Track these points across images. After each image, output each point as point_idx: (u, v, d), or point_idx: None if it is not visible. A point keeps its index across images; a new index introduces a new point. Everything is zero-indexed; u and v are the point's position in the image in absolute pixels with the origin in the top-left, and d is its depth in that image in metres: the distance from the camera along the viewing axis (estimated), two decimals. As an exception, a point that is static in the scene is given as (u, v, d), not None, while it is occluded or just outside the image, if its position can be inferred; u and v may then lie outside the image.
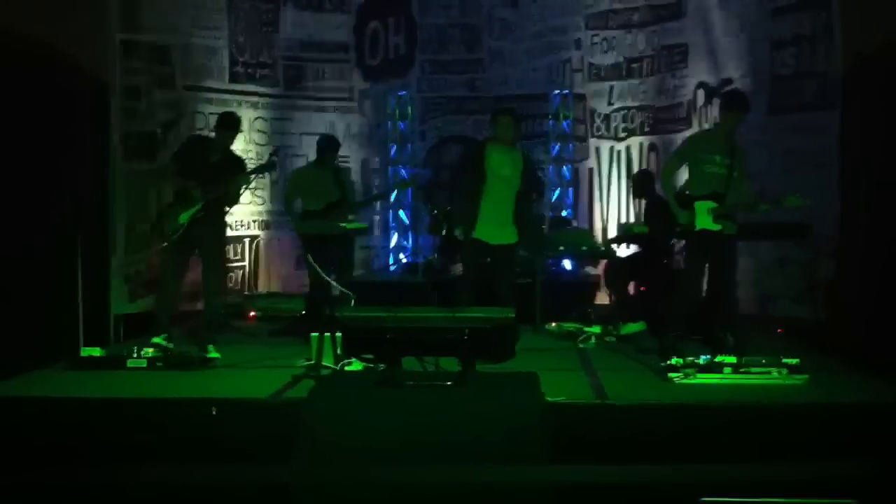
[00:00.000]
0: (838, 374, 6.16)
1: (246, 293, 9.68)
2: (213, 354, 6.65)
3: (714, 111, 8.66)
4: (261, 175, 7.97)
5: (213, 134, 7.58)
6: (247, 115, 9.72)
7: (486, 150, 7.05)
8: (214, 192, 7.01)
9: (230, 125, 7.28)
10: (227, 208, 7.31)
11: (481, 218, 6.93)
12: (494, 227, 6.93)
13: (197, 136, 7.85)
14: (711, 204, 6.55)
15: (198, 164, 7.12)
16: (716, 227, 6.55)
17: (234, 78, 9.63)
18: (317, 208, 7.93)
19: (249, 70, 9.80)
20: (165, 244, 7.10)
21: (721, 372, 5.74)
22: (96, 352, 6.43)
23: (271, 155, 7.61)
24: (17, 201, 6.44)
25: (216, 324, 7.29)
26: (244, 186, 7.29)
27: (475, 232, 6.95)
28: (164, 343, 6.75)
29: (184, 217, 7.00)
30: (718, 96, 8.77)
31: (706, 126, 8.93)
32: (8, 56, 6.35)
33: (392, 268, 10.52)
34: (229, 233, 8.18)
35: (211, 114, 9.35)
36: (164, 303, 7.31)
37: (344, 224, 7.74)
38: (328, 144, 8.23)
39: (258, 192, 9.71)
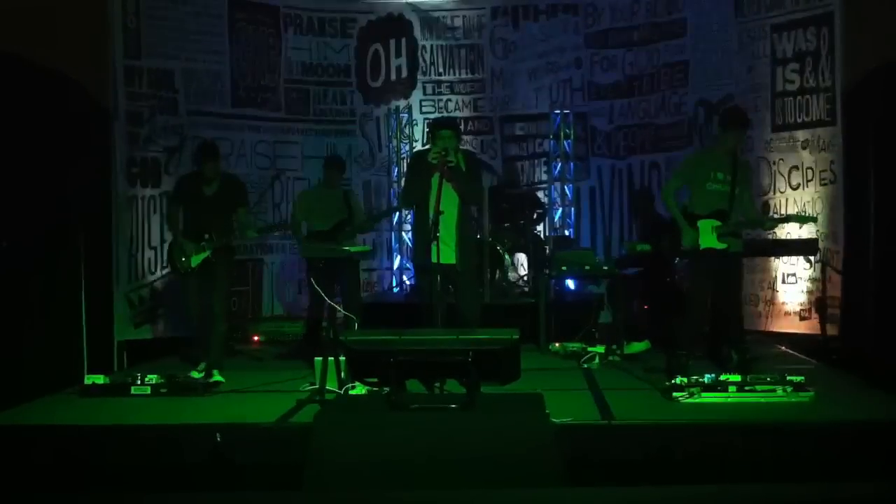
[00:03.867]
0: (845, 391, 6.13)
1: (249, 317, 9.67)
2: (217, 378, 6.64)
3: (715, 129, 8.68)
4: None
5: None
6: (249, 139, 9.77)
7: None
8: (225, 239, 7.06)
9: (211, 154, 7.20)
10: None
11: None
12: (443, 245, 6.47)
13: (186, 175, 7.80)
14: (715, 222, 6.53)
15: (196, 200, 7.14)
16: (721, 246, 6.53)
17: (236, 102, 9.66)
18: (324, 228, 7.94)
19: (252, 94, 9.84)
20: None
21: (726, 390, 5.72)
22: (100, 379, 6.41)
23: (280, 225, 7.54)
24: (15, 225, 6.45)
25: (222, 348, 7.28)
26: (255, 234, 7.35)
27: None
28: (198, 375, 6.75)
29: (195, 260, 7.04)
30: (718, 114, 8.80)
31: (707, 144, 8.93)
32: (10, 83, 6.39)
33: (395, 290, 10.50)
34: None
35: (214, 139, 9.39)
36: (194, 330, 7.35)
37: (348, 247, 7.73)
38: (333, 163, 8.28)
39: (261, 217, 9.72)
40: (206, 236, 7.03)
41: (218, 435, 5.19)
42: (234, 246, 7.33)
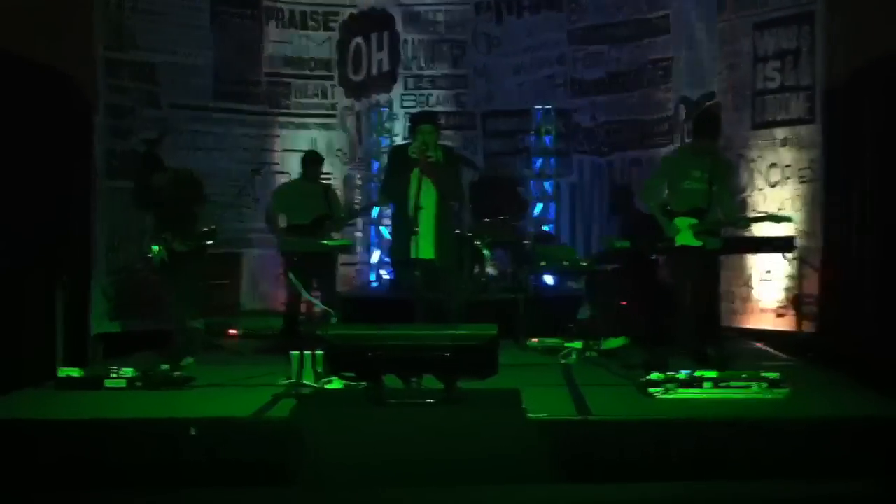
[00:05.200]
0: (821, 388, 6.15)
1: (228, 311, 9.62)
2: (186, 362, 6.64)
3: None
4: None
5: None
6: (230, 132, 9.74)
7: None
8: (181, 242, 7.09)
9: (154, 164, 7.39)
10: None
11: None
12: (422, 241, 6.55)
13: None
14: (692, 220, 6.55)
15: (158, 203, 7.20)
16: (697, 243, 6.55)
17: (218, 95, 9.65)
18: (303, 222, 7.92)
19: (233, 87, 9.82)
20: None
21: (702, 386, 5.72)
22: (75, 372, 6.37)
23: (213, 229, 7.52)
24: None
25: (185, 346, 7.25)
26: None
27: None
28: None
29: (156, 260, 7.13)
30: (696, 111, 8.83)
31: (688, 141, 8.95)
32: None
33: (374, 284, 10.49)
34: (213, 251, 8.15)
35: (196, 131, 9.37)
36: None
37: (327, 241, 7.72)
38: (311, 158, 8.26)
39: (242, 210, 9.69)
40: (164, 237, 7.09)
41: (192, 428, 5.16)
42: (197, 247, 7.26)
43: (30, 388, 6.32)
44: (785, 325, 7.99)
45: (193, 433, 5.12)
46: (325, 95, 10.48)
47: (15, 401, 6.03)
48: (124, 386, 6.21)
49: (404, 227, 6.61)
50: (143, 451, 5.14)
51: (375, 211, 10.32)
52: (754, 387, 5.68)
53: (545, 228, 10.36)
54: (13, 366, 6.45)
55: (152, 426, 5.30)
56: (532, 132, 10.43)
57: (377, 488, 4.74)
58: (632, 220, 8.30)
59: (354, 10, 10.61)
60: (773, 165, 8.28)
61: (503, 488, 4.73)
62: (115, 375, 6.26)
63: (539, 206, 10.44)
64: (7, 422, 5.41)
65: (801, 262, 7.71)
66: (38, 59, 6.89)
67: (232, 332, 9.11)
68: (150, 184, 7.24)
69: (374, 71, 10.68)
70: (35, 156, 6.90)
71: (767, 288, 8.25)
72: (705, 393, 5.69)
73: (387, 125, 10.57)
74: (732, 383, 5.71)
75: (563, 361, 7.32)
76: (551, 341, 7.87)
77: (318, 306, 6.88)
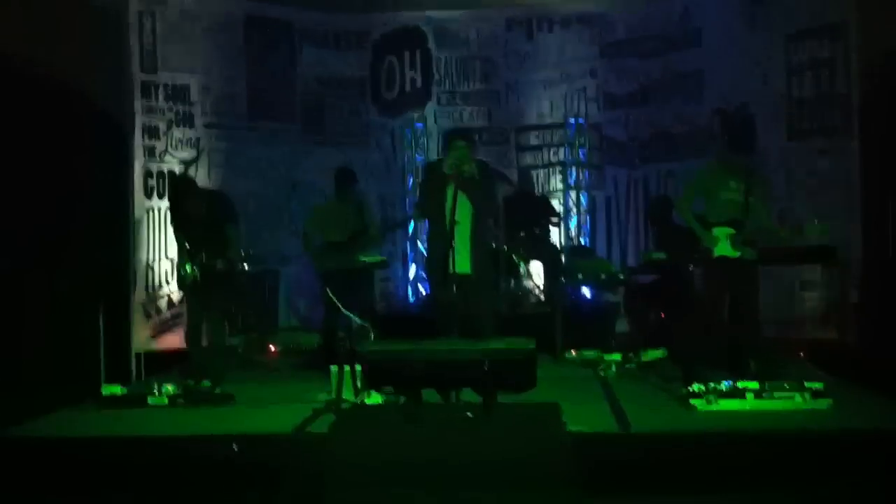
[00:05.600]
0: (863, 398, 6.09)
1: (266, 328, 9.66)
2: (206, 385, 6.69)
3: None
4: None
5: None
6: (264, 152, 9.78)
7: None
8: (211, 262, 7.16)
9: (185, 190, 7.48)
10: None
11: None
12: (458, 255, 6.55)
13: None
14: (730, 231, 6.52)
15: (190, 223, 7.27)
16: (735, 254, 6.51)
17: (252, 115, 9.69)
18: (340, 240, 7.95)
19: (267, 107, 9.86)
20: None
21: (744, 397, 5.67)
22: (118, 390, 6.43)
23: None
24: (34, 237, 6.50)
25: (221, 365, 7.30)
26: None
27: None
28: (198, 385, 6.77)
29: (189, 280, 7.20)
30: (731, 124, 8.79)
31: (722, 153, 8.91)
32: (29, 96, 6.47)
33: (411, 300, 10.51)
34: (250, 269, 8.22)
35: (230, 151, 9.43)
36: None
37: (363, 258, 7.75)
38: (345, 176, 8.28)
39: (278, 228, 9.74)
40: (198, 258, 7.17)
41: (235, 445, 5.19)
42: (227, 268, 7.31)
43: (73, 406, 6.36)
44: (826, 335, 7.91)
45: (236, 450, 5.15)
46: (358, 114, 10.51)
47: (60, 419, 6.08)
48: (166, 403, 6.27)
49: (440, 242, 6.62)
50: (184, 467, 5.17)
51: (412, 227, 10.35)
52: (797, 397, 5.63)
53: (580, 241, 10.34)
54: (57, 384, 6.52)
55: (194, 443, 5.34)
56: (565, 145, 10.42)
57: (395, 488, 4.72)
58: (668, 232, 8.25)
59: (387, 29, 10.65)
60: (810, 175, 8.21)
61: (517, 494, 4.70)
62: (157, 393, 6.32)
63: (574, 219, 10.43)
64: (52, 440, 5.48)
65: (842, 272, 7.63)
66: (77, 81, 7.03)
67: (271, 348, 9.16)
68: (182, 205, 7.31)
69: (408, 88, 10.72)
70: (72, 176, 7.02)
71: (808, 298, 8.17)
72: (747, 404, 5.65)
73: (421, 142, 10.59)
74: (775, 394, 5.66)
75: (601, 374, 7.29)
76: (589, 354, 7.84)
77: (356, 322, 6.90)
